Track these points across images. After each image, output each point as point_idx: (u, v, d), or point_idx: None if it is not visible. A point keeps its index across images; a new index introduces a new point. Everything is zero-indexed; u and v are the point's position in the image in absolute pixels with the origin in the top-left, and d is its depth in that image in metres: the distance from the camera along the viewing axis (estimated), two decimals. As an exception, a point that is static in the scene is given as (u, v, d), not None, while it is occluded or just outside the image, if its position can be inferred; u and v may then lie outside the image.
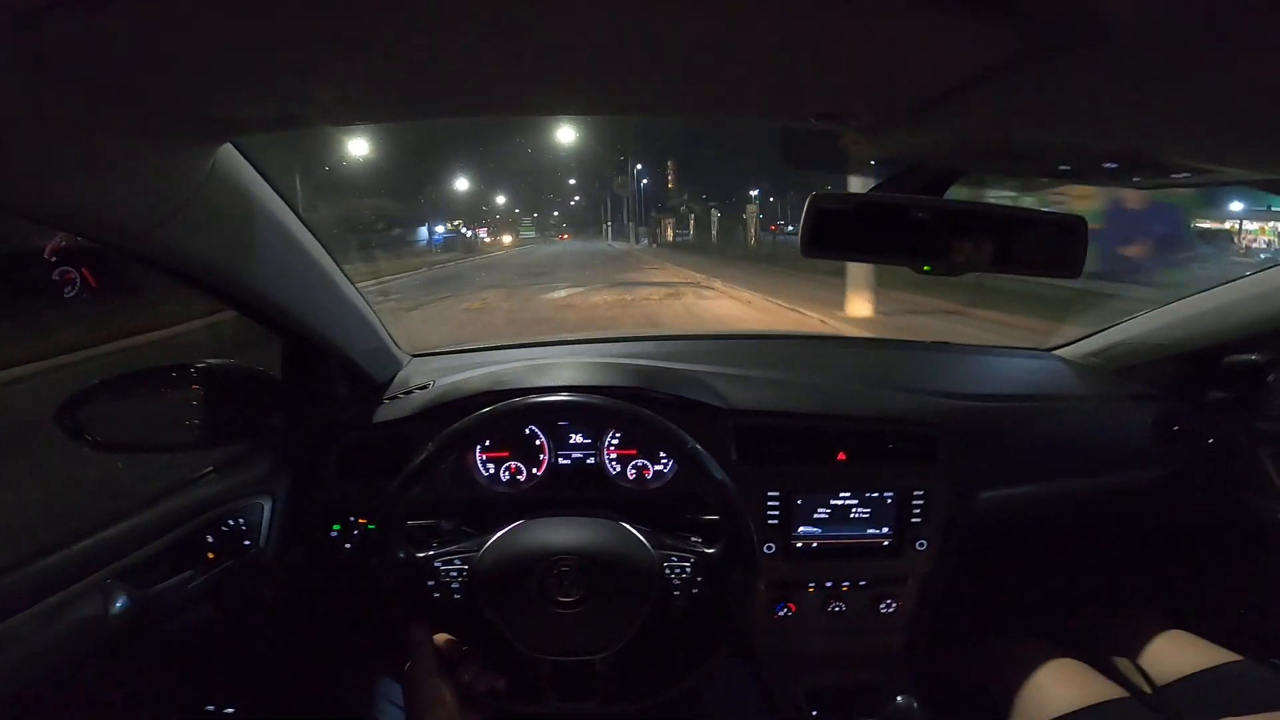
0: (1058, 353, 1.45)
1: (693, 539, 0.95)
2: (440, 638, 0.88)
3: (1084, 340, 1.43)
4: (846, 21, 0.34)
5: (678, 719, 0.99)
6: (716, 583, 0.90)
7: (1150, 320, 1.31)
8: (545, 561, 0.85)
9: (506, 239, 47.67)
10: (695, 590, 0.89)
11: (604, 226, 41.28)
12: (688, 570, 0.90)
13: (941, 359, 1.53)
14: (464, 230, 47.44)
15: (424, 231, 40.06)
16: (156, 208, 0.62)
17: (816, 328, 6.85)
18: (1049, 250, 0.67)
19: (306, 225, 0.89)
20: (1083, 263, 0.66)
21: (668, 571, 0.89)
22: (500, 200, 46.68)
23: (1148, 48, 0.31)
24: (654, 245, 29.50)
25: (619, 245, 32.31)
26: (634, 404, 0.96)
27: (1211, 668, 1.04)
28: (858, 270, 6.83)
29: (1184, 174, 0.54)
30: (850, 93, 0.49)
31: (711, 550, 0.91)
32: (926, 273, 0.70)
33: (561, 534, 0.89)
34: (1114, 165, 0.55)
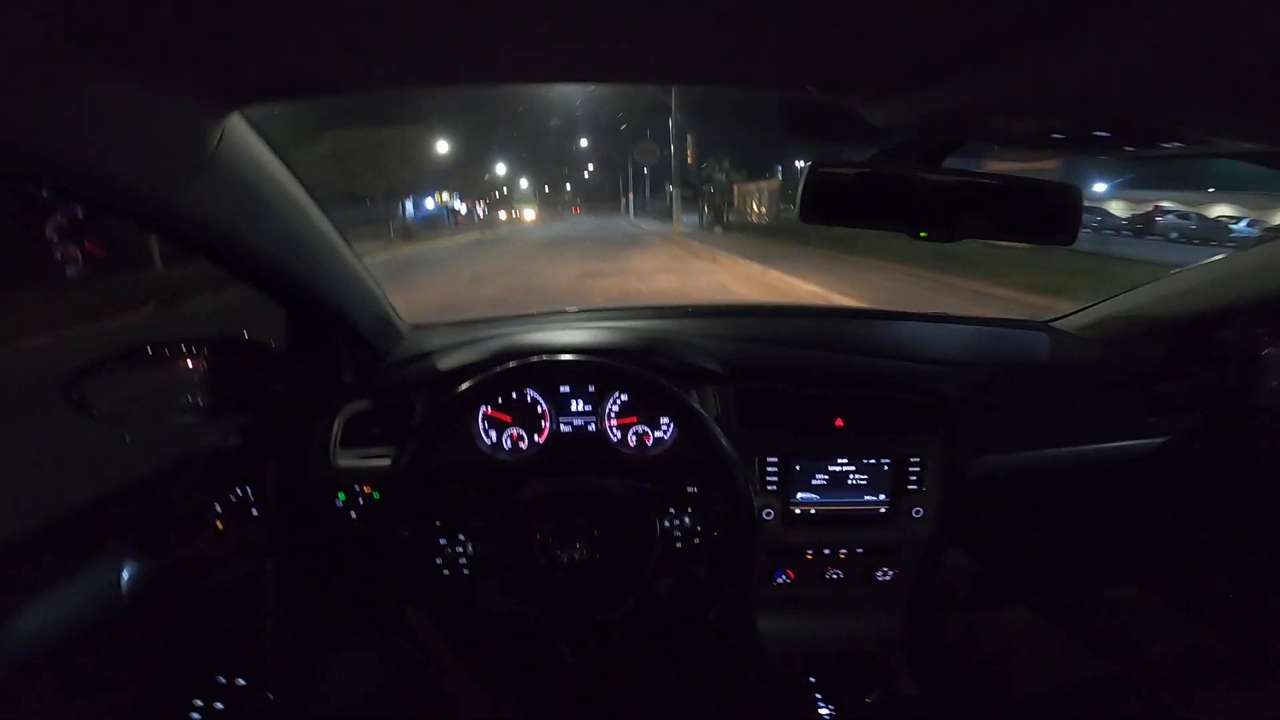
0: (1055, 324, 1.46)
1: (691, 496, 0.98)
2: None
3: (1080, 313, 1.44)
4: None
5: (680, 687, 1.07)
6: (715, 541, 0.94)
7: (1145, 294, 1.32)
8: (544, 523, 0.87)
9: (503, 215, 41.01)
10: (696, 541, 0.93)
11: (623, 200, 34.39)
12: (687, 523, 0.94)
13: (940, 330, 1.53)
14: (456, 204, 39.74)
15: (409, 206, 32.76)
16: (168, 174, 0.64)
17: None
18: (1043, 218, 0.69)
19: (313, 197, 0.89)
20: (1077, 229, 0.68)
21: (668, 526, 0.93)
22: (501, 170, 39.54)
23: (1147, 20, 0.32)
24: (718, 229, 18.25)
25: (647, 225, 23.86)
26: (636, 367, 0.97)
27: (1206, 642, 1.08)
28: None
29: (1176, 143, 0.55)
30: (852, 62, 0.50)
31: (709, 508, 0.95)
32: (923, 239, 0.71)
33: (562, 485, 0.92)
34: (1106, 135, 0.55)
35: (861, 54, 0.47)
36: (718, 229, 17.84)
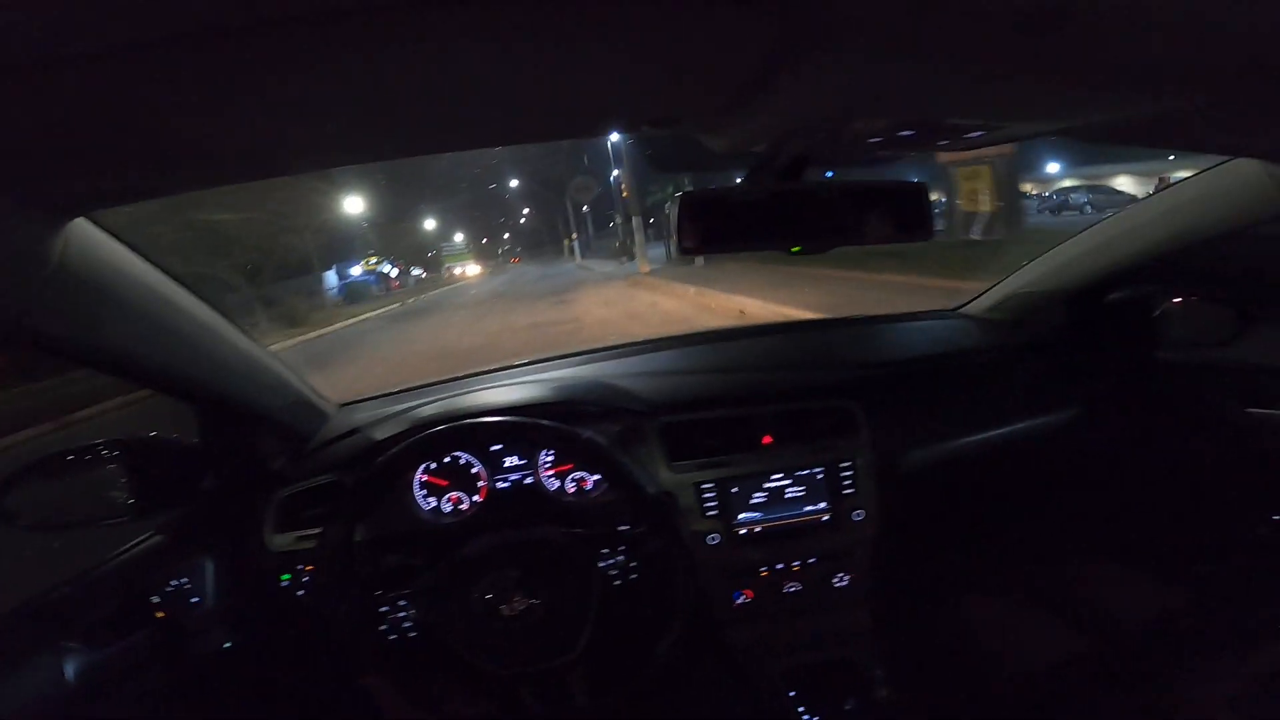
0: (963, 310, 1.50)
1: (623, 532, 0.99)
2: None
3: (983, 296, 1.48)
4: (631, 33, 0.36)
5: (659, 715, 1.06)
6: (651, 569, 0.96)
7: (1035, 269, 1.36)
8: (480, 578, 0.89)
9: (459, 271, 38.13)
10: (633, 577, 0.96)
11: (566, 243, 32.03)
12: (622, 560, 0.96)
13: (856, 332, 1.56)
14: (387, 268, 36.29)
15: (331, 276, 29.21)
16: (15, 293, 0.61)
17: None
18: (900, 218, 0.71)
19: (188, 287, 0.86)
20: (932, 224, 0.71)
21: (603, 565, 0.96)
22: (431, 226, 36.62)
23: (890, 25, 0.34)
24: (700, 261, 14.12)
25: (600, 266, 19.81)
26: (545, 419, 0.99)
27: (1170, 607, 1.09)
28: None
29: (978, 132, 0.59)
30: (666, 98, 0.51)
31: (641, 540, 0.97)
32: (795, 253, 0.75)
33: (495, 543, 0.93)
34: (912, 134, 0.58)
35: (672, 90, 0.49)
36: (700, 260, 14.74)
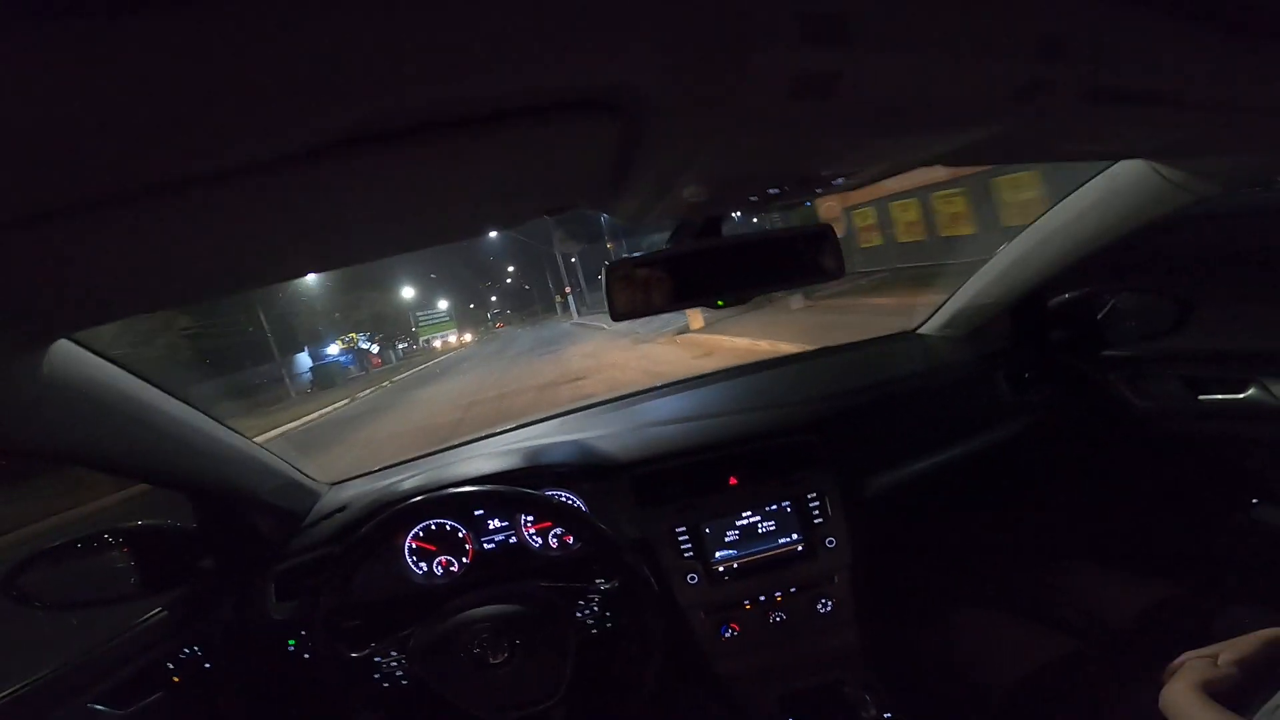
0: (919, 331, 1.54)
1: (596, 581, 1.04)
2: None
3: (936, 314, 1.51)
4: (508, 148, 0.42)
5: None
6: (624, 614, 1.01)
7: (976, 282, 1.38)
8: (464, 632, 0.95)
9: (453, 339, 35.88)
10: (608, 624, 1.00)
11: (559, 299, 29.47)
12: (595, 609, 1.00)
13: (819, 363, 1.59)
14: (365, 345, 33.41)
15: (304, 359, 26.39)
16: (8, 413, 0.66)
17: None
18: (813, 260, 0.75)
19: (167, 391, 0.92)
20: (842, 263, 0.76)
21: (578, 614, 1.00)
22: (409, 295, 34.26)
23: (695, 114, 0.40)
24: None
25: (607, 323, 17.07)
26: (525, 483, 1.09)
27: (1154, 603, 1.09)
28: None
29: (838, 179, 0.63)
30: (553, 191, 0.57)
31: (609, 586, 1.01)
32: (720, 307, 0.79)
33: (475, 608, 0.98)
34: (778, 190, 0.62)
35: (552, 186, 0.54)
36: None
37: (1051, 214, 1.18)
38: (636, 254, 0.73)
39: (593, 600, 1.00)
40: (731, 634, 1.18)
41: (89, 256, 0.44)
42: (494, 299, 56.83)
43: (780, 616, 1.18)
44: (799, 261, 0.74)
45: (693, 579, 1.15)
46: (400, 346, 37.78)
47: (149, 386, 0.87)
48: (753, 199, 0.64)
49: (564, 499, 1.12)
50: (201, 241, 0.47)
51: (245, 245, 0.51)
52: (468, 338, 36.49)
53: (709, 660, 1.19)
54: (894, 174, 0.64)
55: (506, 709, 0.95)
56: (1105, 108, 0.49)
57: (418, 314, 38.22)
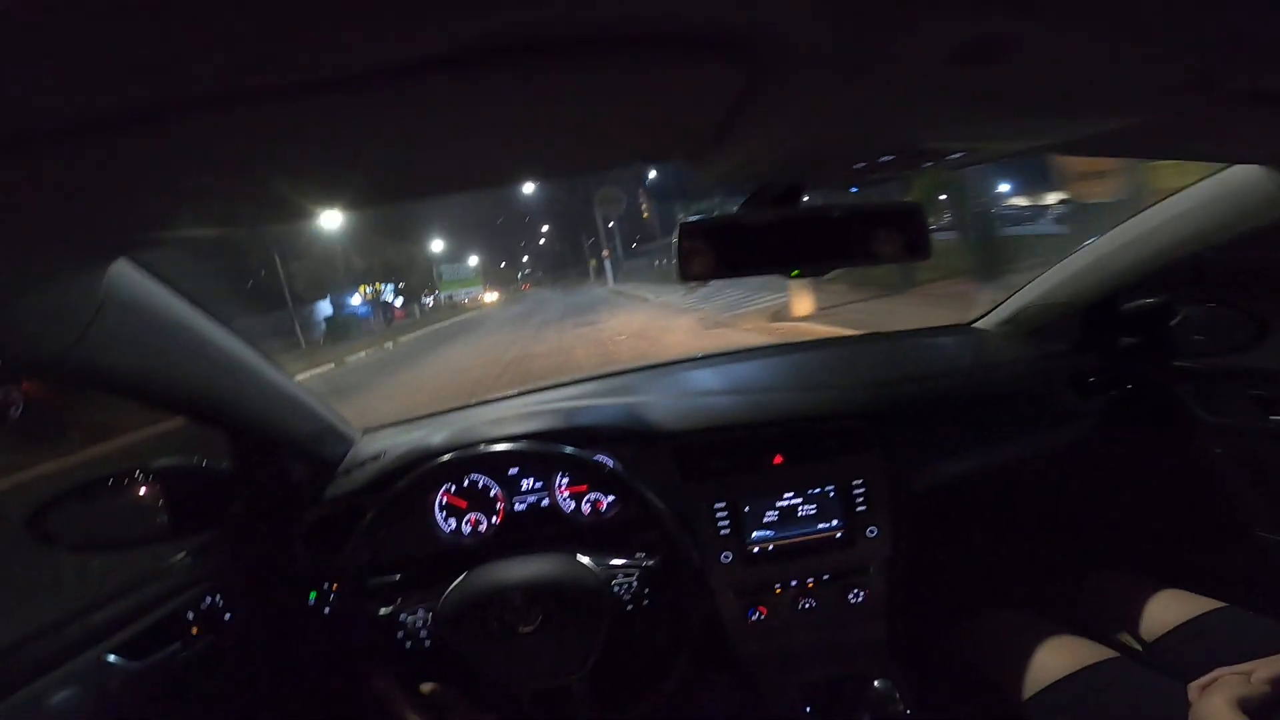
0: (976, 325, 1.49)
1: (637, 555, 1.00)
2: (426, 686, 0.95)
3: (998, 308, 1.46)
4: (620, 83, 0.38)
5: None
6: (663, 592, 0.96)
7: (1047, 280, 1.34)
8: (498, 599, 0.91)
9: (488, 295, 34.53)
10: (645, 602, 0.95)
11: (592, 264, 27.65)
12: (634, 585, 0.95)
13: (872, 348, 1.55)
14: (390, 296, 31.91)
15: (324, 307, 24.99)
16: (63, 332, 0.64)
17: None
18: (897, 239, 0.70)
19: (220, 322, 0.89)
20: (929, 244, 0.70)
21: (615, 589, 0.95)
22: (439, 248, 32.76)
23: (839, 62, 0.36)
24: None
25: (654, 294, 14.50)
26: (563, 444, 1.04)
27: (1194, 618, 1.04)
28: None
29: (958, 154, 0.60)
30: (654, 137, 0.53)
31: (652, 563, 0.97)
32: (795, 277, 0.77)
33: (510, 572, 0.94)
34: (892, 158, 0.59)
35: (657, 130, 0.51)
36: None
37: (1145, 215, 1.13)
38: (713, 215, 0.69)
39: (632, 575, 0.97)
40: (759, 617, 1.16)
41: (148, 174, 0.42)
42: (525, 259, 55.38)
43: (810, 603, 1.16)
44: (885, 238, 0.69)
45: (726, 558, 1.13)
46: (426, 300, 36.41)
47: (202, 316, 0.85)
48: (858, 166, 0.61)
49: (607, 463, 1.04)
50: (287, 160, 0.44)
51: (355, 163, 0.47)
52: (495, 296, 35.07)
53: (732, 643, 1.18)
54: (1011, 155, 0.62)
55: (529, 678, 0.94)
56: (1262, 109, 0.48)
57: (442, 267, 36.70)
